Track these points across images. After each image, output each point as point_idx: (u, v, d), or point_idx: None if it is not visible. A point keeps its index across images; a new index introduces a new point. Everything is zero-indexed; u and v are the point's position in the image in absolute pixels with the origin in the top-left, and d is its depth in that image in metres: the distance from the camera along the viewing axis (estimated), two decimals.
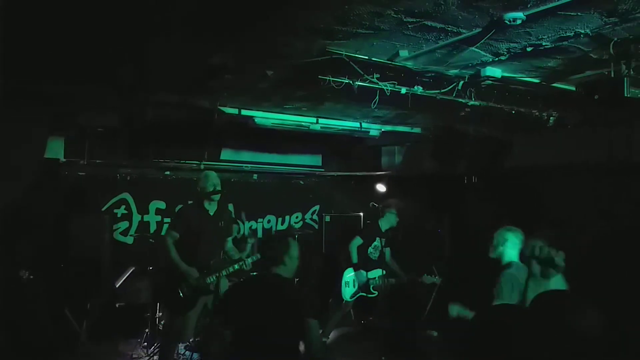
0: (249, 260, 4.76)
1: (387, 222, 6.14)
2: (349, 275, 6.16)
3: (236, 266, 4.73)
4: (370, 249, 6.15)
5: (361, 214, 7.93)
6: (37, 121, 4.93)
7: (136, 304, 5.93)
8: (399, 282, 6.05)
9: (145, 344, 5.72)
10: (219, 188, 4.69)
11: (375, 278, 6.07)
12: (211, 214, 4.73)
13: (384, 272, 5.93)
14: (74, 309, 5.57)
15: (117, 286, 5.81)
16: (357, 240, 6.08)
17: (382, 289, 6.00)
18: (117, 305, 5.90)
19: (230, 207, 7.36)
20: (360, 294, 6.11)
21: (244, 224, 7.57)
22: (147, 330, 5.71)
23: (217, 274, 4.47)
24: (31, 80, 4.05)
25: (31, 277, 5.04)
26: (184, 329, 4.74)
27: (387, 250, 6.13)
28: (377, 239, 6.08)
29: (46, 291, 5.06)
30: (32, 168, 5.03)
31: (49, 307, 5.23)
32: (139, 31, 3.02)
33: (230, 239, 5.06)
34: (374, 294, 6.10)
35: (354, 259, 6.04)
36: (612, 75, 3.30)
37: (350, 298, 6.14)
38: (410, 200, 7.50)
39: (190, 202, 4.98)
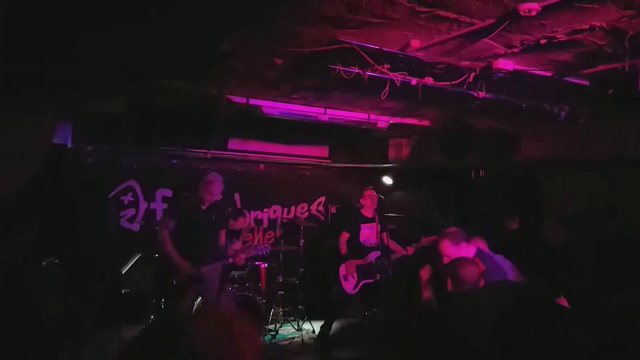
0: None
1: (367, 208, 6.16)
2: (344, 268, 6.13)
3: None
4: (362, 238, 6.16)
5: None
6: (44, 106, 4.93)
7: (141, 291, 5.96)
8: (400, 258, 6.08)
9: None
10: (217, 197, 4.77)
11: (371, 263, 6.08)
12: (203, 208, 4.80)
13: (382, 253, 5.99)
14: (80, 295, 5.60)
15: (122, 273, 5.83)
16: (344, 236, 6.14)
17: (382, 270, 6.01)
18: (122, 292, 5.93)
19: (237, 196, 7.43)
20: (362, 281, 6.13)
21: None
22: (152, 316, 5.74)
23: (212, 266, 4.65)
24: (39, 64, 4.03)
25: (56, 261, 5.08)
26: (177, 317, 4.81)
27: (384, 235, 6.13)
28: (362, 226, 6.12)
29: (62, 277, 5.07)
30: (40, 153, 5.04)
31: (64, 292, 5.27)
32: (148, 17, 3.00)
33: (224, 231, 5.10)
34: (375, 277, 6.11)
35: (342, 251, 6.10)
36: (627, 70, 3.25)
37: (354, 290, 6.15)
38: (412, 192, 7.49)
39: (186, 193, 5.05)
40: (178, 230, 4.74)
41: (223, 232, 5.10)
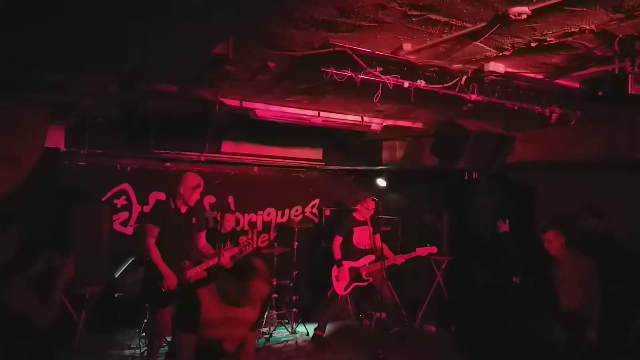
0: None
1: (361, 213, 6.23)
2: (337, 269, 6.18)
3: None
4: (356, 241, 6.24)
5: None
6: (37, 110, 4.92)
7: (135, 295, 5.93)
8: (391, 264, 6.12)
9: (144, 334, 5.73)
10: (195, 194, 4.76)
11: (364, 266, 6.09)
12: (183, 211, 4.78)
13: (375, 257, 6.08)
14: (73, 298, 5.58)
15: (116, 276, 5.81)
16: (337, 240, 6.21)
17: (374, 274, 6.06)
18: (115, 296, 5.90)
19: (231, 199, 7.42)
20: (354, 284, 6.14)
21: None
22: (145, 320, 5.71)
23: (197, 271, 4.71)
24: (32, 68, 4.02)
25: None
26: (164, 324, 4.82)
27: (377, 237, 6.18)
28: (354, 229, 6.21)
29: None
30: (33, 157, 5.02)
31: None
32: (141, 20, 3.00)
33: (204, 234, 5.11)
34: (367, 281, 6.14)
35: (336, 255, 6.14)
36: (616, 73, 3.28)
37: (344, 291, 6.17)
38: (407, 194, 7.52)
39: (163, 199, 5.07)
40: (161, 236, 4.74)
41: (203, 234, 5.12)
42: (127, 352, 5.61)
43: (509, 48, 3.33)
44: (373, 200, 6.17)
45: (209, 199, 7.10)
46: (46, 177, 5.62)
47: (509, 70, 3.79)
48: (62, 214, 5.73)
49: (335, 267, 6.14)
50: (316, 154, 8.02)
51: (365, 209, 6.19)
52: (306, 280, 7.47)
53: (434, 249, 6.18)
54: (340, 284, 6.10)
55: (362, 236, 6.24)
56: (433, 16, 2.81)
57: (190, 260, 4.82)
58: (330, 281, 6.18)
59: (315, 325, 6.29)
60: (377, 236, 6.06)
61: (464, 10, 2.72)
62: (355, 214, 6.31)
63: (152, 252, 4.68)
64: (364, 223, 6.23)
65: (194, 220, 4.90)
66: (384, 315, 6.53)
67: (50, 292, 4.68)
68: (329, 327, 6.37)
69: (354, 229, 6.25)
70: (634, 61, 3.17)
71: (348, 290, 6.19)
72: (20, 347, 4.60)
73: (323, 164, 8.08)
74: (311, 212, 8.29)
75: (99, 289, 5.73)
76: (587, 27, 2.91)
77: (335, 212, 8.01)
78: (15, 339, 4.63)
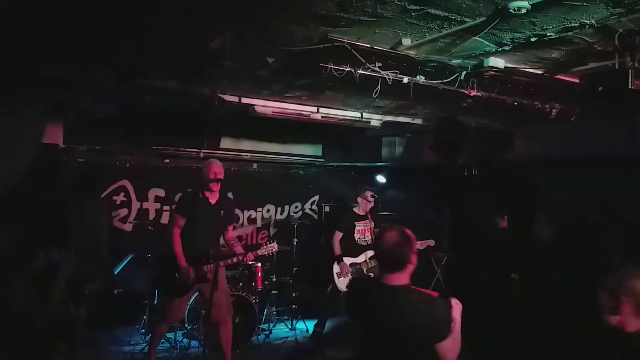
0: None
1: (361, 207, 6.23)
2: (337, 266, 6.16)
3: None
4: (357, 236, 6.21)
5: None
6: (35, 105, 4.90)
7: (134, 291, 5.94)
8: None
9: (143, 330, 5.73)
10: (220, 176, 4.69)
11: (365, 261, 6.09)
12: (212, 202, 4.73)
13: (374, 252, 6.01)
14: (72, 295, 5.57)
15: (115, 273, 5.81)
16: (337, 235, 6.18)
17: (375, 269, 6.03)
18: (115, 292, 5.91)
19: (230, 195, 7.41)
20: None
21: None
22: (145, 317, 5.72)
23: (216, 264, 4.49)
24: (30, 63, 4.01)
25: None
26: (174, 311, 4.80)
27: (377, 231, 6.21)
28: (356, 224, 6.18)
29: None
30: (30, 153, 5.01)
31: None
32: (139, 15, 2.98)
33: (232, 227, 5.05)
34: (368, 277, 6.10)
35: (336, 251, 6.12)
36: (617, 68, 3.27)
37: (346, 287, 6.14)
38: (406, 191, 7.51)
39: (189, 189, 4.99)
40: (187, 227, 4.69)
41: (231, 227, 5.03)
42: (126, 348, 5.61)
43: (509, 43, 3.31)
44: (372, 196, 6.17)
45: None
46: (44, 173, 5.61)
47: (509, 65, 3.78)
48: (61, 211, 5.72)
49: (335, 264, 6.13)
50: (315, 150, 8.02)
51: (365, 202, 6.19)
52: (306, 276, 7.46)
53: (432, 242, 6.18)
54: (342, 280, 6.10)
55: (363, 231, 6.24)
56: (432, 10, 2.79)
57: (215, 253, 4.68)
58: (330, 277, 6.17)
59: (315, 322, 6.29)
60: (378, 230, 6.06)
61: (464, 5, 2.71)
62: (355, 209, 6.30)
63: (174, 242, 4.63)
64: (364, 217, 6.23)
65: (222, 212, 4.81)
66: None
67: (50, 289, 4.68)
68: (328, 324, 6.37)
69: (355, 223, 6.24)
70: (634, 56, 3.16)
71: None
72: (20, 344, 4.60)
73: (322, 160, 8.07)
74: (311, 209, 8.29)
75: (98, 286, 5.72)
76: (587, 22, 2.89)
77: (335, 208, 8.01)
78: (16, 336, 4.63)
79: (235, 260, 4.77)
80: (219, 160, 4.92)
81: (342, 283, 6.11)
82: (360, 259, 6.16)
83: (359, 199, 6.24)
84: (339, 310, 6.38)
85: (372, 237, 6.20)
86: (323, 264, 6.49)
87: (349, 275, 6.09)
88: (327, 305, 6.32)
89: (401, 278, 2.49)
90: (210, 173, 4.69)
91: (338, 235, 6.19)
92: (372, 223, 6.24)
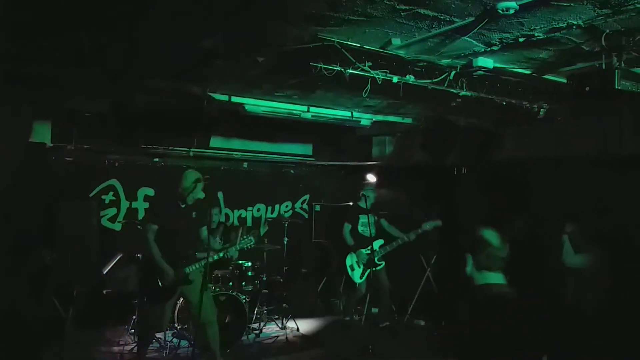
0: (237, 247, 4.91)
1: (365, 201, 6.32)
2: (350, 259, 6.38)
3: (215, 256, 4.82)
4: (361, 228, 6.46)
5: (350, 203, 7.94)
6: (23, 104, 4.85)
7: (123, 291, 5.89)
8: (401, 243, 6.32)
9: (133, 331, 5.70)
10: (198, 190, 4.71)
11: (376, 250, 6.23)
12: (183, 206, 4.75)
13: (383, 241, 6.37)
14: (61, 295, 5.53)
15: (104, 273, 5.76)
16: (347, 227, 6.48)
17: (387, 254, 6.34)
18: (104, 292, 5.86)
19: (220, 195, 7.39)
20: (369, 270, 6.22)
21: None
22: (134, 317, 5.68)
23: (196, 265, 4.64)
24: (19, 62, 3.96)
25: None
26: (161, 318, 4.81)
27: (383, 221, 6.48)
28: (360, 217, 6.44)
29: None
30: (18, 152, 4.96)
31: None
32: (129, 14, 2.96)
33: (204, 228, 5.03)
34: (381, 264, 6.36)
35: (349, 242, 6.41)
36: (604, 68, 3.31)
37: (361, 279, 6.27)
38: (398, 190, 7.53)
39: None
40: (161, 232, 4.69)
41: (205, 229, 5.04)
42: (115, 348, 5.57)
43: (497, 43, 3.34)
44: (372, 192, 6.48)
45: None
46: (32, 172, 5.55)
47: (498, 65, 3.81)
48: (49, 210, 5.66)
49: (348, 257, 6.34)
50: (306, 149, 8.01)
51: (368, 197, 6.33)
52: (296, 275, 7.46)
53: (439, 222, 6.31)
54: (357, 272, 6.21)
55: (366, 223, 6.32)
56: (422, 10, 2.81)
57: (192, 255, 4.76)
58: (343, 270, 6.36)
59: (305, 321, 6.30)
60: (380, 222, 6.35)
61: (453, 5, 2.73)
62: (359, 203, 6.45)
63: (151, 248, 4.63)
64: (367, 210, 6.28)
65: (194, 215, 4.83)
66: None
67: (40, 290, 4.64)
68: (319, 322, 6.39)
69: (359, 216, 6.41)
70: (621, 56, 3.20)
71: (364, 277, 6.29)
72: (9, 344, 4.56)
73: (313, 159, 8.06)
74: (301, 208, 8.29)
75: (87, 285, 5.68)
76: (575, 22, 2.92)
77: (326, 207, 8.02)
78: (6, 336, 4.59)
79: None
80: (210, 158, 4.92)
81: (356, 275, 6.21)
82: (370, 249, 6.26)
83: (362, 194, 6.40)
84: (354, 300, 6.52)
85: (377, 228, 6.38)
86: (314, 262, 6.54)
87: (362, 267, 6.19)
88: (349, 299, 6.53)
89: None
90: (183, 184, 4.73)
91: (347, 226, 6.46)
92: (375, 217, 6.41)
